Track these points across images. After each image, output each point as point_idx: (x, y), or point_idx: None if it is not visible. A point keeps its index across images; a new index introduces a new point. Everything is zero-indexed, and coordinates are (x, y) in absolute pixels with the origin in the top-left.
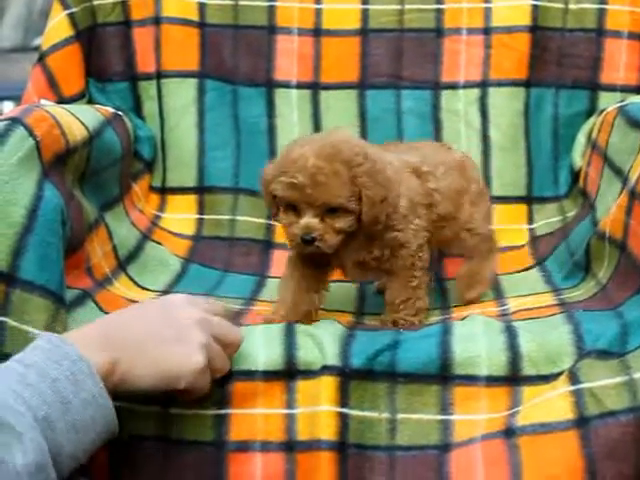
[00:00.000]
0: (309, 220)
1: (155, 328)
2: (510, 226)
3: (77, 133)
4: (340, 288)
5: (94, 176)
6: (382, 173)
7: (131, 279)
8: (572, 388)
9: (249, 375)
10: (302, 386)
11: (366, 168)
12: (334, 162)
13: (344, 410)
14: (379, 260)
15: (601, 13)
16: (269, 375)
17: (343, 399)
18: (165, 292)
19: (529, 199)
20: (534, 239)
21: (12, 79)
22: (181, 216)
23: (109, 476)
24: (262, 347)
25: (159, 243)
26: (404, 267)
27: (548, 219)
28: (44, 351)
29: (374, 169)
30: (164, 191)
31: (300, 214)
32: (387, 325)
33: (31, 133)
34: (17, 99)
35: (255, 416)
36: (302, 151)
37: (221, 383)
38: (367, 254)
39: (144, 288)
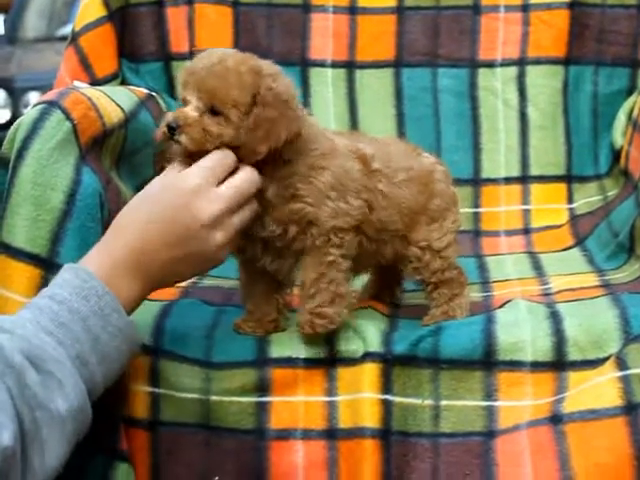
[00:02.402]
0: (185, 108)
1: (178, 249)
2: (549, 205)
3: (113, 115)
4: None
5: (129, 158)
6: (292, 107)
7: None
8: (620, 374)
9: (290, 362)
10: (343, 373)
11: (277, 89)
12: (242, 64)
13: (387, 397)
14: (284, 238)
15: None
16: (310, 363)
17: (386, 386)
18: None
19: (569, 178)
20: (574, 218)
21: (37, 69)
22: None
23: (150, 462)
24: (304, 338)
25: None
26: (314, 245)
27: (588, 198)
28: (73, 287)
29: (285, 96)
30: None
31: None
32: (302, 328)
33: (68, 116)
34: (42, 89)
35: (296, 404)
36: (220, 49)
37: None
38: (261, 229)
39: None
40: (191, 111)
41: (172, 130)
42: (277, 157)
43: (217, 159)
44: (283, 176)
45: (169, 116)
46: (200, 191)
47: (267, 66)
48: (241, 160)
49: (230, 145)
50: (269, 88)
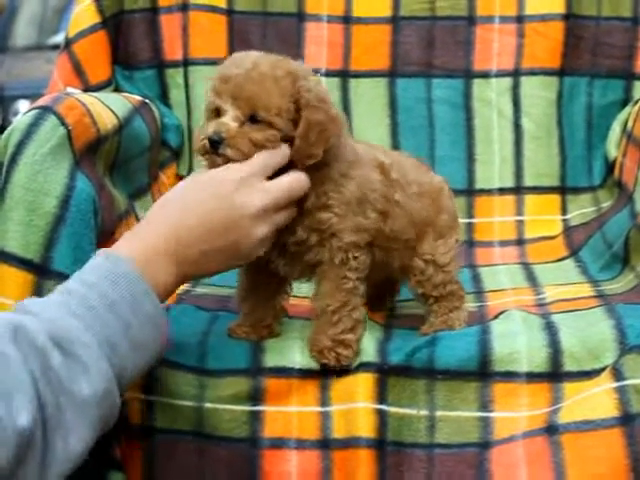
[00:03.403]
0: (224, 119)
1: (218, 238)
2: (543, 216)
3: (107, 122)
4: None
5: (123, 165)
6: (332, 106)
7: None
8: (616, 385)
9: (284, 372)
10: (336, 383)
11: (315, 89)
12: (278, 68)
13: (382, 407)
14: (303, 245)
15: (637, 1)
16: (304, 373)
17: (381, 396)
18: None
19: (563, 189)
20: (568, 229)
21: (27, 78)
22: None
23: (143, 470)
24: (299, 345)
25: None
26: (333, 263)
27: (582, 209)
28: (104, 271)
29: (324, 95)
30: None
31: (220, 117)
32: (314, 354)
33: (62, 122)
34: (32, 97)
35: (290, 414)
36: (250, 53)
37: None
38: (289, 235)
39: None
40: (231, 121)
41: (215, 143)
42: (319, 162)
43: (269, 155)
44: (317, 182)
45: (208, 129)
46: (249, 182)
47: (300, 67)
48: (293, 166)
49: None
50: (309, 90)
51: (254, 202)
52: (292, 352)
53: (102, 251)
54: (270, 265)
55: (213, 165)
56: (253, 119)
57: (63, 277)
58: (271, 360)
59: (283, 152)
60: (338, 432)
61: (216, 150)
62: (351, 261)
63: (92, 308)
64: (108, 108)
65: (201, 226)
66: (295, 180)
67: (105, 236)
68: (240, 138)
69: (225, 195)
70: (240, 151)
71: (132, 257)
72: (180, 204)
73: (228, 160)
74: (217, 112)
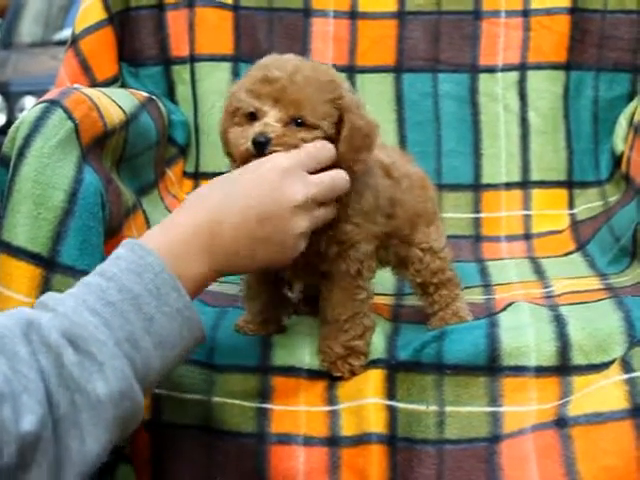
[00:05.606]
0: (268, 120)
1: (258, 227)
2: (550, 211)
3: (115, 116)
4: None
5: (130, 161)
6: (367, 114)
7: None
8: (625, 377)
9: (293, 372)
10: (345, 382)
11: (355, 97)
12: (320, 74)
13: (392, 403)
14: (321, 258)
15: None
16: (313, 373)
17: (390, 392)
18: None
19: (570, 183)
20: (575, 224)
21: (32, 74)
22: None
23: (151, 463)
24: (308, 345)
25: None
26: (348, 274)
27: (589, 204)
28: (127, 262)
29: (360, 103)
30: (197, 176)
31: (260, 120)
32: (326, 365)
33: (70, 116)
34: (38, 94)
35: (298, 412)
36: (286, 56)
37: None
38: (310, 246)
39: None
40: (275, 123)
41: (262, 145)
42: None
43: (316, 149)
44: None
45: (252, 132)
46: (294, 172)
47: (336, 73)
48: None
49: None
50: (350, 97)
51: (297, 193)
52: (301, 351)
53: (127, 241)
54: (282, 272)
55: None
56: (297, 122)
57: (71, 271)
58: (279, 359)
59: (330, 148)
60: (348, 430)
61: (263, 152)
62: (364, 271)
63: (111, 303)
64: (115, 103)
65: (239, 214)
66: (338, 176)
67: (113, 230)
68: (289, 138)
69: (270, 182)
70: (289, 149)
71: (159, 247)
72: (219, 192)
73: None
74: (251, 116)
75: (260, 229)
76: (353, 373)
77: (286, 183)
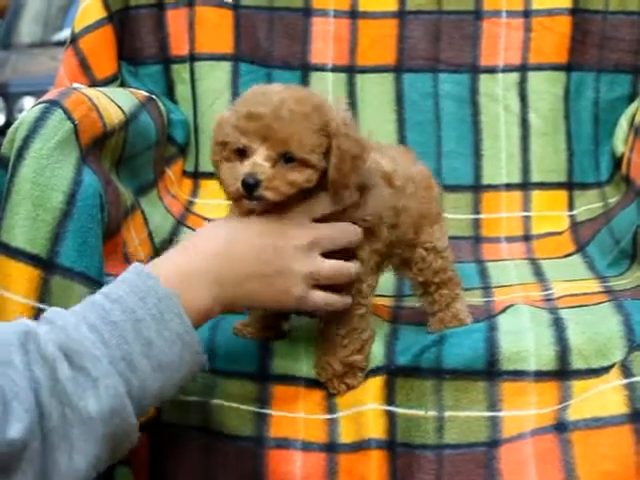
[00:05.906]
0: (257, 160)
1: (261, 267)
2: (550, 212)
3: (114, 116)
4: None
5: (130, 161)
6: (358, 132)
7: None
8: (625, 381)
9: (292, 380)
10: None
11: (341, 118)
12: (305, 104)
13: (391, 408)
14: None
15: None
16: (311, 382)
17: (389, 397)
18: None
19: (570, 185)
20: (575, 225)
21: (31, 74)
22: (214, 202)
23: (149, 465)
24: (306, 351)
25: (193, 230)
26: (347, 291)
27: (589, 205)
28: (132, 286)
29: (350, 123)
30: (197, 176)
31: (249, 158)
32: (324, 382)
33: (69, 116)
34: (37, 94)
35: (296, 419)
36: (270, 88)
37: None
38: None
39: None
40: (264, 162)
41: (251, 187)
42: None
43: (311, 207)
44: (346, 218)
45: (241, 173)
46: (298, 221)
47: (321, 98)
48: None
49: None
50: (335, 120)
51: (302, 235)
52: (299, 360)
53: (135, 265)
54: None
55: (247, 210)
56: (286, 158)
57: (69, 272)
58: (278, 367)
59: (324, 202)
60: (346, 437)
61: (251, 193)
62: (364, 288)
63: (112, 323)
64: (114, 103)
65: (250, 252)
66: (349, 228)
67: (111, 231)
68: (278, 180)
69: (275, 228)
70: (279, 192)
71: (170, 276)
72: (230, 228)
73: (264, 203)
74: (240, 152)
75: (266, 266)
76: (350, 389)
77: (293, 227)
